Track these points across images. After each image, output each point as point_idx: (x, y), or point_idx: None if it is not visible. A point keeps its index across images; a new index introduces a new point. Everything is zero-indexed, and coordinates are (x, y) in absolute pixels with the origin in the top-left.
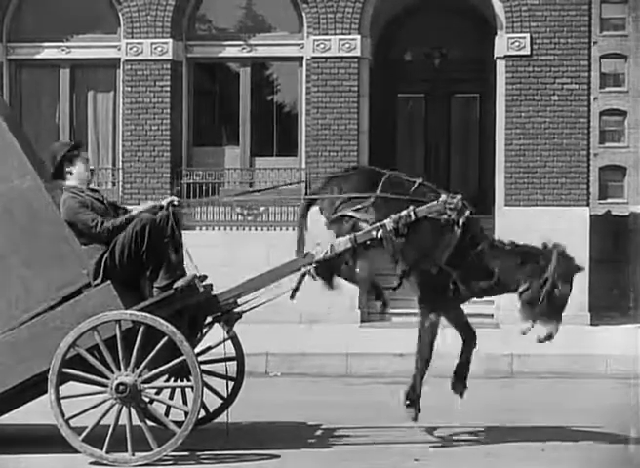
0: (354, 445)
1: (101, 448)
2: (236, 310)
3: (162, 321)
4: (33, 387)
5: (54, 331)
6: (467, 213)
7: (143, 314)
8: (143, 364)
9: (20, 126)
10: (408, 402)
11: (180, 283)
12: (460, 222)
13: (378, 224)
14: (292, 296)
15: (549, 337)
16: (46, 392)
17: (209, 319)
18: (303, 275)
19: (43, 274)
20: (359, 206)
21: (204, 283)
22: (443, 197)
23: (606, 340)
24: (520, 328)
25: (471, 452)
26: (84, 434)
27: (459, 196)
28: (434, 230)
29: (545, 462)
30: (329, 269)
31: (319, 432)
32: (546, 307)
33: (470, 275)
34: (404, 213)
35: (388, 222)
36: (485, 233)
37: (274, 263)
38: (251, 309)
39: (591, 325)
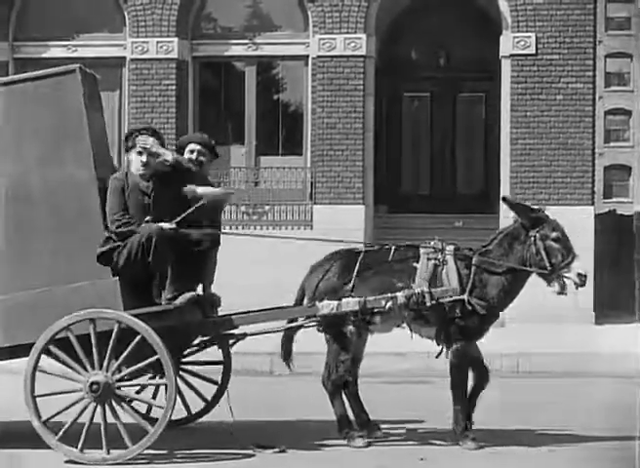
0: None
1: (77, 447)
2: (231, 333)
3: (136, 319)
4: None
5: (51, 308)
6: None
7: (117, 313)
8: (117, 363)
9: (101, 106)
10: (467, 434)
11: (179, 301)
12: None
13: (389, 295)
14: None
15: (562, 290)
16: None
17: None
18: (301, 325)
19: (63, 267)
20: (339, 294)
21: (211, 300)
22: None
23: (611, 339)
24: (554, 289)
25: (476, 451)
26: (60, 434)
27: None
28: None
29: (550, 461)
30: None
31: (324, 431)
32: (547, 258)
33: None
34: (418, 290)
35: (400, 296)
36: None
37: (277, 262)
38: (246, 336)
39: (596, 324)
